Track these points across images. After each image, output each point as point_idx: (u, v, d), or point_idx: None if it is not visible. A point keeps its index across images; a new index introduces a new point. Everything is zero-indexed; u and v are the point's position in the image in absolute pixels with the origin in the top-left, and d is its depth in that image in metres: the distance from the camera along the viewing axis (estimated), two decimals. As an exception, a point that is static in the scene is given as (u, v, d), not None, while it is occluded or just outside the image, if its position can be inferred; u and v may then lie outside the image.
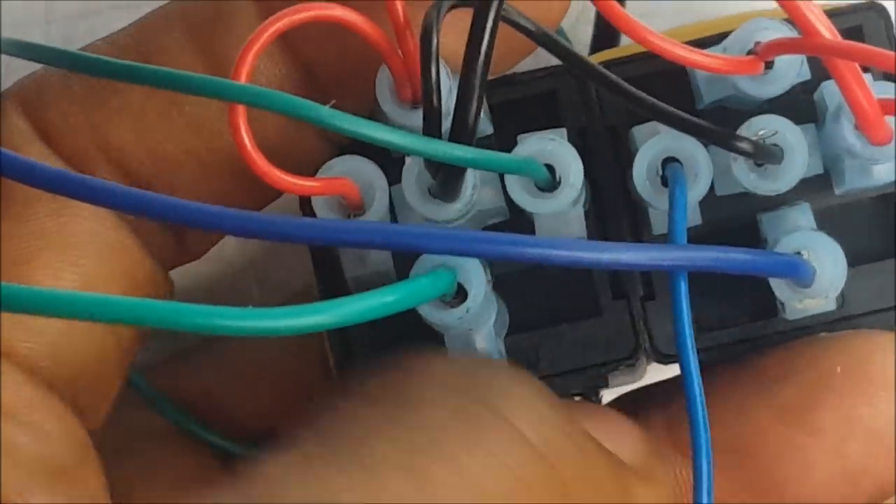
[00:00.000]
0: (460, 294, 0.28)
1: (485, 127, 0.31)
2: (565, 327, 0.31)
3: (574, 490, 0.28)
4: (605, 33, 0.38)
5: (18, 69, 0.31)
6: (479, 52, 0.26)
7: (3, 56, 0.30)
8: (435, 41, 0.26)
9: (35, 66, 0.31)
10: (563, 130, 0.30)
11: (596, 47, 0.38)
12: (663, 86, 0.30)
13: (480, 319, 0.29)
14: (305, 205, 0.30)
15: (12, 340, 0.29)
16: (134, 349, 0.32)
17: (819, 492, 0.30)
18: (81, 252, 0.29)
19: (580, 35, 0.38)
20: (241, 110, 0.26)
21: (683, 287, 0.27)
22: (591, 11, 0.38)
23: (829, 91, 0.29)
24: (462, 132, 0.26)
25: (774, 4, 0.31)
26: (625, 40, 0.40)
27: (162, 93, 0.29)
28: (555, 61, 0.30)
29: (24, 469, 0.27)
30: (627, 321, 0.31)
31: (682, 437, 0.31)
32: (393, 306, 0.25)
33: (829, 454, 0.30)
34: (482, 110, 0.30)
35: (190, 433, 0.36)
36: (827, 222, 0.30)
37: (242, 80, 0.26)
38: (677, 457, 0.31)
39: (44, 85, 0.30)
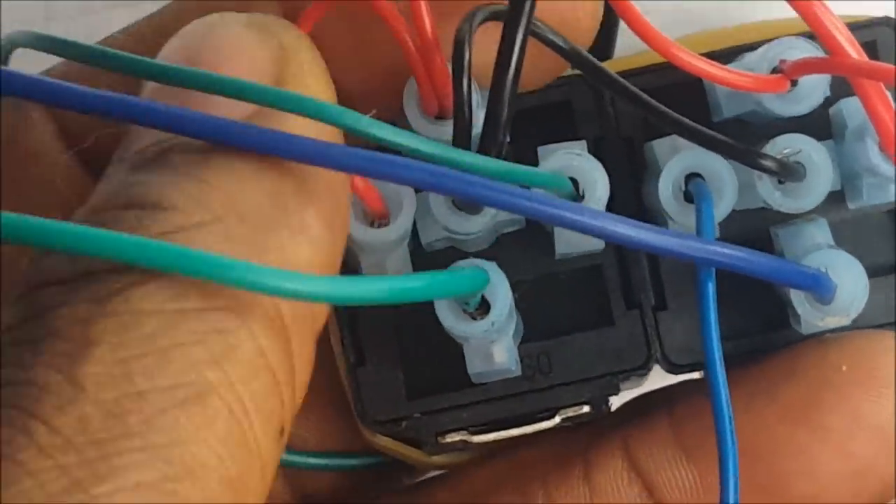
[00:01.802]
0: (483, 306, 0.28)
1: (503, 136, 0.31)
2: (578, 336, 0.32)
3: None
4: (598, 42, 0.38)
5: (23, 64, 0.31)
6: (509, 65, 0.26)
7: (13, 50, 0.30)
8: (467, 55, 0.26)
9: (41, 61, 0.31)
10: (584, 143, 0.30)
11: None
12: (679, 97, 0.30)
13: (502, 332, 0.29)
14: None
15: None
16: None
17: (825, 491, 0.30)
18: None
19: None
20: None
21: (711, 286, 0.28)
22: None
23: (850, 108, 0.29)
24: (491, 145, 0.26)
25: (775, 12, 0.31)
26: (619, 51, 0.40)
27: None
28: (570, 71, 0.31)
29: None
30: (640, 331, 0.32)
31: (686, 439, 0.31)
32: (416, 292, 0.25)
33: (835, 453, 0.30)
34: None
35: None
36: (839, 236, 0.31)
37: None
38: (680, 457, 0.31)
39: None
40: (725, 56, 0.31)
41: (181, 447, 0.20)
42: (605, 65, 0.33)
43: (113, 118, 0.23)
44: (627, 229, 0.25)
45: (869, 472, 0.30)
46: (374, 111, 0.25)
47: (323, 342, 0.33)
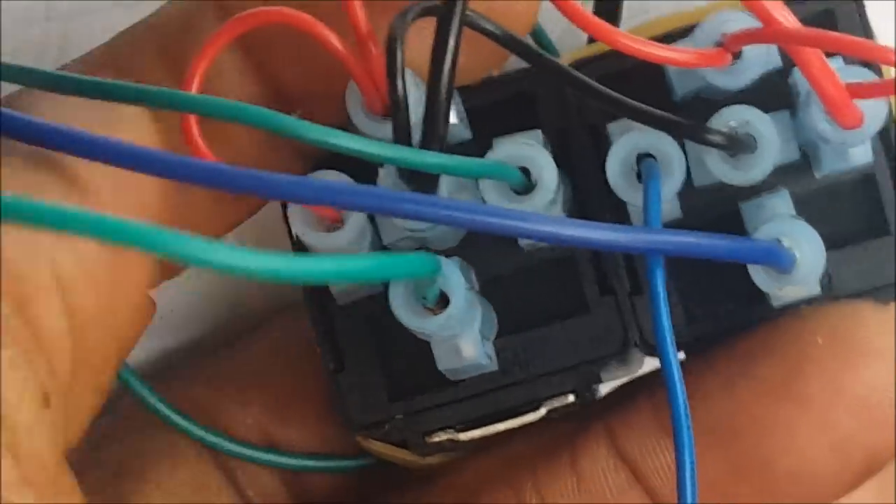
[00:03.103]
0: (443, 300, 0.28)
1: (463, 133, 0.31)
2: (554, 326, 0.32)
3: None
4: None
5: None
6: (445, 58, 0.26)
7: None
8: (400, 53, 0.27)
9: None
10: (538, 132, 0.30)
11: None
12: (640, 81, 0.30)
13: (464, 325, 0.29)
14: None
15: None
16: (109, 369, 0.31)
17: (808, 465, 0.30)
18: None
19: (575, 38, 0.38)
20: (191, 120, 0.26)
21: (660, 275, 0.27)
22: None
23: (800, 77, 0.29)
24: (432, 139, 0.27)
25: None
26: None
27: None
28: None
29: None
30: (616, 316, 0.31)
31: (668, 421, 0.31)
32: (365, 272, 0.25)
33: (816, 425, 0.29)
34: (461, 117, 0.30)
35: (192, 440, 0.36)
36: (810, 207, 0.30)
37: (194, 85, 0.26)
38: (664, 441, 0.31)
39: (32, 102, 0.31)
40: (679, 35, 0.31)
41: None
42: (587, 50, 0.33)
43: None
44: (564, 229, 0.25)
45: (852, 443, 0.29)
46: (300, 111, 0.25)
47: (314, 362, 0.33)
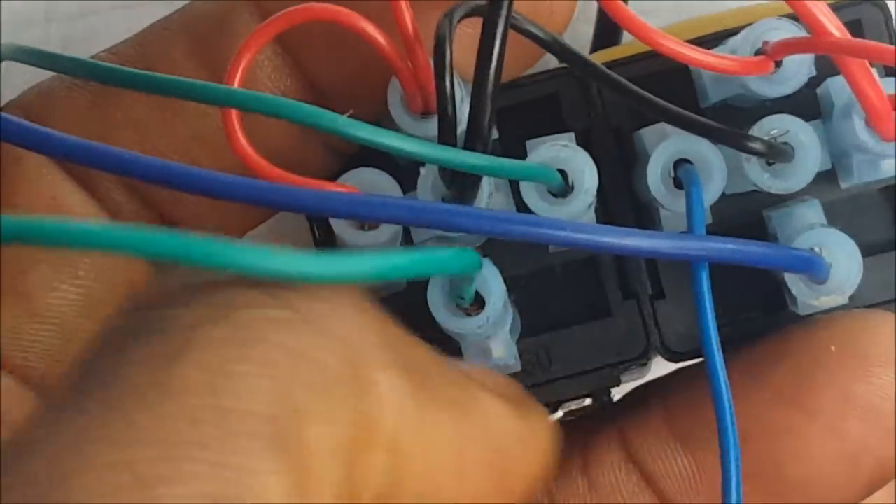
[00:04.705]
0: (477, 301, 0.28)
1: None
2: (576, 329, 0.32)
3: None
4: (606, 33, 0.38)
5: (15, 78, 0.31)
6: (491, 60, 0.26)
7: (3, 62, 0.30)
8: (449, 52, 0.26)
9: (35, 74, 0.31)
10: (572, 135, 0.30)
11: (596, 47, 0.38)
12: (665, 85, 0.30)
13: (497, 326, 0.29)
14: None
15: (9, 352, 0.28)
16: None
17: (819, 473, 0.30)
18: (79, 265, 0.29)
19: (580, 35, 0.38)
20: (234, 115, 0.26)
21: (705, 279, 0.27)
22: (592, 11, 0.38)
23: (836, 87, 0.29)
24: (477, 140, 0.26)
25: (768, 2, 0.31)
26: (625, 39, 0.40)
27: (165, 104, 0.29)
28: (555, 63, 0.31)
29: None
30: (638, 321, 0.31)
31: (681, 427, 0.31)
32: (403, 269, 0.24)
33: (827, 434, 0.29)
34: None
35: None
36: (833, 217, 0.31)
37: (237, 78, 0.26)
38: (676, 445, 0.31)
39: (48, 96, 0.30)
40: (710, 42, 0.31)
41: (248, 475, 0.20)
42: (593, 56, 0.33)
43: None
44: (614, 238, 0.25)
45: (863, 453, 0.29)
46: (352, 111, 0.25)
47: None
